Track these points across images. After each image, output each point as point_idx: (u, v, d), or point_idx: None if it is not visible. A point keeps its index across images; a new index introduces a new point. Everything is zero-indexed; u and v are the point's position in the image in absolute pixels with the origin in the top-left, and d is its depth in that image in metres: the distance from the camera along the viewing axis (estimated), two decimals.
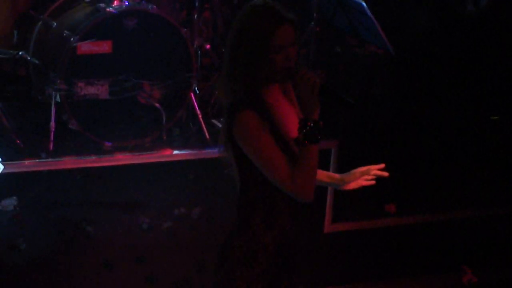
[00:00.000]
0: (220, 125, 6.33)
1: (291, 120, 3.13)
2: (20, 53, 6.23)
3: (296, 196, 3.08)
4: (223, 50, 6.93)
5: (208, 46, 6.88)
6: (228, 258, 3.17)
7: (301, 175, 3.03)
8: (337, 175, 3.48)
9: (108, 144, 6.03)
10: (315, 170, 3.08)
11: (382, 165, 3.46)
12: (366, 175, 3.44)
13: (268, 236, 3.16)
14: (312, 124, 3.02)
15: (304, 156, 3.04)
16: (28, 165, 5.75)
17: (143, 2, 6.20)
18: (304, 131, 3.03)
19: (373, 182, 3.46)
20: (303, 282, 3.34)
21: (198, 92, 6.38)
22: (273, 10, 3.04)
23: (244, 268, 3.15)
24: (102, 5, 6.09)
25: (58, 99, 5.91)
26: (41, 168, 5.81)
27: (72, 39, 5.91)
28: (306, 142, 3.03)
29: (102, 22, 5.98)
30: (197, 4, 6.71)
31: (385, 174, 3.45)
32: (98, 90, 6.01)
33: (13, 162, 5.66)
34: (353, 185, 3.45)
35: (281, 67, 3.05)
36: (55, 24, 6.27)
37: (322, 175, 3.45)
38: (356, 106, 3.00)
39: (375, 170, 3.44)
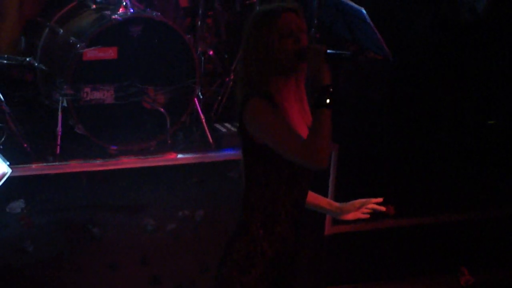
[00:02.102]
0: (223, 130, 6.36)
1: (298, 126, 3.16)
2: (28, 59, 6.27)
3: (309, 163, 3.04)
4: (226, 56, 6.99)
5: (211, 52, 6.89)
6: (227, 261, 3.20)
7: (314, 141, 3.01)
8: (336, 204, 3.52)
9: (113, 148, 6.08)
10: (328, 136, 3.04)
11: (380, 199, 3.52)
12: (364, 207, 3.49)
13: (266, 242, 3.18)
14: (321, 88, 3.07)
15: (316, 121, 3.06)
16: (35, 168, 5.81)
17: (148, 9, 6.26)
18: (315, 95, 3.06)
19: (368, 216, 3.52)
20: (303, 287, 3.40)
21: (201, 97, 6.43)
22: (277, 4, 3.17)
23: (241, 272, 3.17)
24: (107, 12, 6.13)
25: (64, 104, 5.96)
26: (48, 172, 5.88)
27: (78, 45, 5.97)
28: (317, 106, 3.06)
29: (107, 29, 6.04)
30: (200, 11, 6.76)
31: (383, 208, 3.51)
32: (104, 95, 6.05)
33: (21, 165, 5.71)
34: (350, 216, 3.50)
35: (293, 50, 3.12)
36: (61, 31, 6.32)
37: (323, 201, 3.50)
38: (355, 57, 3.02)
39: (373, 203, 3.50)
